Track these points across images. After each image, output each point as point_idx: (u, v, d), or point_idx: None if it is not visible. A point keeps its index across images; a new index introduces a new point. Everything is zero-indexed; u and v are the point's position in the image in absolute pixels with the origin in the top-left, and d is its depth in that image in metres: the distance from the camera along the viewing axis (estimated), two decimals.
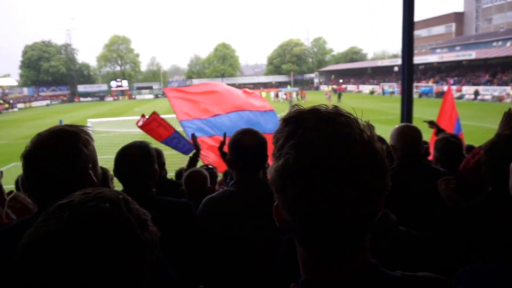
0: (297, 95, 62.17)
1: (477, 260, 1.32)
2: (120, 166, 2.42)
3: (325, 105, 0.92)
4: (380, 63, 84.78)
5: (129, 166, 2.40)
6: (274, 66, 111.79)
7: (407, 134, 3.10)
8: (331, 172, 0.82)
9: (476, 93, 48.03)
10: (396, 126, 3.23)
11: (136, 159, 2.41)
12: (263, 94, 65.29)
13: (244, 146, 2.40)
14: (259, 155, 2.43)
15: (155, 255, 0.97)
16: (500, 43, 61.01)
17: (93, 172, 1.70)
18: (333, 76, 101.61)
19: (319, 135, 0.84)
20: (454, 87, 53.85)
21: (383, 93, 66.29)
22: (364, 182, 0.84)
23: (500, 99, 43.59)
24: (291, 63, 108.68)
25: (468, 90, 50.70)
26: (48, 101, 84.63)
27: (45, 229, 0.85)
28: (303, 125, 0.87)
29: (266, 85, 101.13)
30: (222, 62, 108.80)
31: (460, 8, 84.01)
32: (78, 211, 0.87)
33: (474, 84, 52.98)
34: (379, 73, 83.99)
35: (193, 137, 4.97)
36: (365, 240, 0.92)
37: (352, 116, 0.91)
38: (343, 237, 0.87)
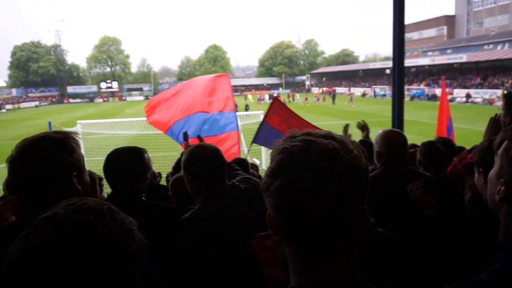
0: (288, 97, 62.25)
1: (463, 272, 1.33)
2: (111, 169, 2.42)
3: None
4: (371, 65, 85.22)
5: (120, 169, 2.40)
6: (266, 68, 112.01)
7: (392, 139, 3.07)
8: (314, 168, 0.90)
9: (468, 96, 48.40)
10: (381, 131, 3.20)
11: (128, 162, 2.41)
12: (249, 97, 65.54)
13: (202, 160, 2.41)
14: (218, 165, 2.45)
15: (144, 264, 0.96)
16: (491, 46, 61.61)
17: (78, 180, 1.70)
18: (324, 78, 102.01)
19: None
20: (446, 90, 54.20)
21: (375, 95, 66.58)
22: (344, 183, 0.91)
23: (490, 102, 43.92)
24: (283, 65, 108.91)
25: (459, 93, 51.07)
26: (37, 102, 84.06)
27: (28, 244, 0.84)
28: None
29: (257, 87, 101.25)
30: (213, 64, 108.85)
31: (451, 11, 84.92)
32: (62, 225, 0.86)
33: (465, 87, 53.36)
34: (370, 76, 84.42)
35: (185, 137, 4.87)
36: (350, 250, 0.95)
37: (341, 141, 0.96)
38: (324, 234, 0.91)
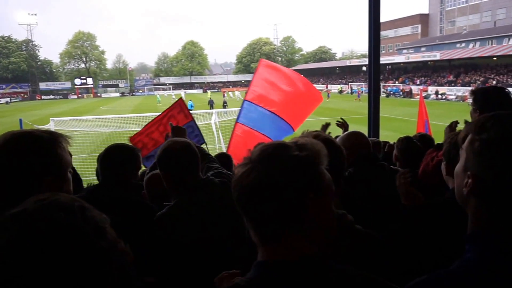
0: None
1: (436, 263, 1.32)
2: (107, 160, 2.58)
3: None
4: (348, 62, 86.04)
5: (116, 162, 2.57)
6: (243, 65, 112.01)
7: (354, 139, 3.11)
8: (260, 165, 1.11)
9: (437, 92, 49.51)
10: (342, 135, 3.29)
11: (124, 157, 2.59)
12: (236, 93, 65.44)
13: (172, 155, 2.44)
14: (189, 158, 2.48)
15: (117, 262, 0.94)
16: (463, 44, 62.96)
17: (53, 186, 1.55)
18: (302, 75, 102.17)
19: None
20: (420, 87, 55.21)
21: (352, 92, 67.18)
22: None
23: (463, 99, 44.83)
24: None
25: (433, 90, 52.02)
26: (7, 99, 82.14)
27: None
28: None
29: (235, 84, 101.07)
30: (191, 60, 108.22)
31: (425, 10, 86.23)
32: (30, 223, 0.84)
33: (439, 85, 54.36)
34: (347, 73, 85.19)
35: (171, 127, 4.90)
36: (298, 232, 1.11)
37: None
38: (268, 219, 1.10)
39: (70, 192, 1.67)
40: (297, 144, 1.15)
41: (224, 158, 4.32)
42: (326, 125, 5.11)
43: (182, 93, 68.38)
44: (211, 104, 42.92)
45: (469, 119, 3.13)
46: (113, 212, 2.07)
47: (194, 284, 2.31)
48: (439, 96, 48.98)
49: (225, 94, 62.73)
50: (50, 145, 1.57)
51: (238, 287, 1.09)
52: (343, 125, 4.99)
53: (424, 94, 49.54)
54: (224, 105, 42.04)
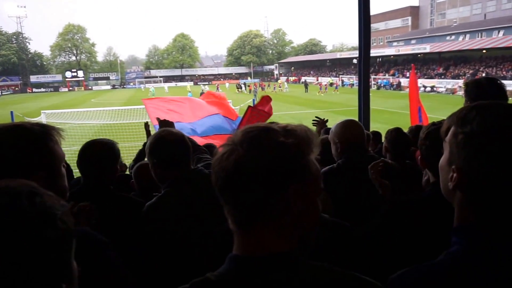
0: (256, 87, 61.86)
1: (416, 258, 1.33)
2: (84, 159, 2.54)
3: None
4: (339, 55, 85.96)
5: (93, 161, 2.52)
6: (234, 58, 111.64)
7: (348, 128, 3.11)
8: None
9: (424, 86, 49.72)
10: (337, 122, 3.22)
11: (101, 155, 2.54)
12: (226, 85, 65.49)
13: (165, 144, 2.43)
14: (182, 147, 2.47)
15: (70, 252, 0.90)
16: (453, 37, 63.20)
17: (47, 182, 1.47)
18: (292, 68, 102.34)
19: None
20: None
21: (343, 85, 67.26)
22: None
23: (453, 91, 45.11)
24: (251, 54, 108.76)
25: (423, 83, 52.21)
26: None
27: None
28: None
29: (226, 77, 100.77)
30: (181, 53, 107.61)
31: (416, 2, 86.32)
32: None
33: (429, 77, 54.57)
34: (338, 65, 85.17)
35: (146, 126, 4.88)
36: (276, 223, 1.05)
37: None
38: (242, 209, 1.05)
39: (65, 188, 1.61)
40: (286, 129, 1.07)
41: (212, 149, 4.37)
42: (323, 122, 4.87)
43: (173, 85, 68.24)
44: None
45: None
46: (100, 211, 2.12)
47: (183, 276, 2.35)
48: (428, 89, 49.19)
49: (219, 87, 62.63)
50: (42, 139, 1.50)
51: (208, 281, 1.05)
52: (319, 123, 4.82)
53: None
54: None
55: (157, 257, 2.35)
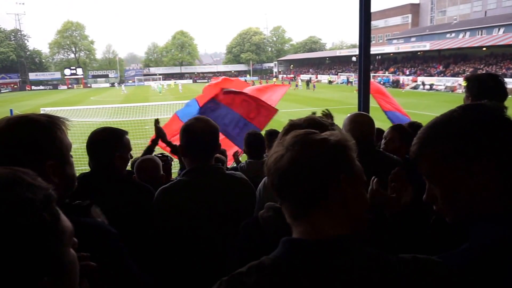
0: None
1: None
2: (92, 143, 2.56)
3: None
4: (338, 53, 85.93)
5: (98, 145, 2.55)
6: (233, 55, 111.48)
7: (360, 122, 3.06)
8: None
9: (423, 83, 49.88)
10: (348, 115, 3.18)
11: (108, 141, 2.55)
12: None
13: (196, 131, 2.43)
14: (211, 142, 2.48)
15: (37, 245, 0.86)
16: (453, 35, 63.05)
17: (55, 170, 1.50)
18: (292, 65, 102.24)
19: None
20: (410, 78, 55.36)
21: (342, 82, 67.25)
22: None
23: (452, 89, 45.11)
24: (250, 52, 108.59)
25: (422, 81, 52.20)
26: None
27: None
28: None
29: (225, 74, 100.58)
30: (180, 50, 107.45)
31: (416, 0, 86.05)
32: None
33: (429, 75, 54.55)
34: (337, 63, 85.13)
35: (156, 122, 4.81)
36: (328, 210, 1.13)
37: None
38: (294, 198, 1.15)
39: (74, 176, 1.63)
40: (327, 132, 1.21)
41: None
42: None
43: (172, 83, 68.53)
44: None
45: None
46: (105, 196, 2.19)
47: (188, 267, 2.36)
48: (427, 87, 49.22)
49: None
50: (50, 128, 1.52)
51: (262, 264, 1.09)
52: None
53: (413, 84, 50.15)
54: None
55: (162, 241, 2.37)
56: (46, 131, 1.51)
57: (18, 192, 0.85)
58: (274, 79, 71.24)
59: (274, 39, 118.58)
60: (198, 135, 2.43)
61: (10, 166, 0.92)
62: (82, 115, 20.61)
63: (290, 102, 36.31)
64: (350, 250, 1.07)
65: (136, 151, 4.61)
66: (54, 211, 0.90)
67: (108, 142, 2.53)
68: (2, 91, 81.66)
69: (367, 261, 1.06)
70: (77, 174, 2.91)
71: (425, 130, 1.31)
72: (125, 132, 2.66)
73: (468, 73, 48.24)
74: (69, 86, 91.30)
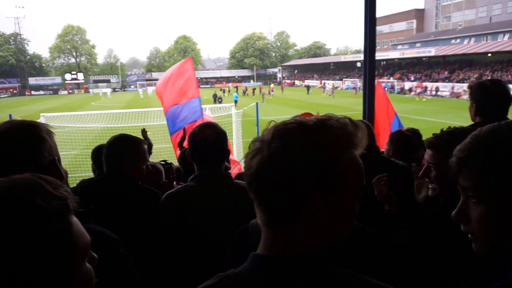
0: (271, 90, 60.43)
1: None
2: (104, 156, 2.63)
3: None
4: (343, 58, 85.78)
5: (110, 153, 2.63)
6: (237, 60, 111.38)
7: (364, 128, 2.91)
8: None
9: (426, 88, 49.66)
10: None
11: (121, 152, 2.62)
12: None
13: (201, 139, 2.45)
14: (217, 149, 2.47)
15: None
16: (458, 40, 62.85)
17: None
18: (296, 71, 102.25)
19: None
20: (414, 83, 55.11)
21: (347, 88, 67.08)
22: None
23: (457, 95, 44.79)
24: (254, 57, 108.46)
25: (427, 86, 51.98)
26: None
27: None
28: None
29: (228, 79, 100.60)
30: (183, 55, 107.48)
31: (421, 5, 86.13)
32: None
33: (433, 81, 54.27)
34: (342, 69, 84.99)
35: (143, 132, 4.92)
36: (306, 224, 0.98)
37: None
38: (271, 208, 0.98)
39: (65, 172, 1.66)
40: (321, 125, 0.98)
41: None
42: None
43: None
44: (215, 98, 45.67)
45: (465, 114, 3.05)
46: (110, 204, 2.35)
47: (190, 271, 2.34)
48: (433, 93, 48.95)
49: (225, 90, 62.71)
50: (40, 130, 1.57)
51: (227, 277, 1.02)
52: None
53: (418, 90, 50.00)
54: (220, 100, 42.93)
55: (167, 245, 2.42)
56: (42, 133, 1.57)
57: (28, 198, 0.84)
58: (272, 85, 70.72)
59: (278, 44, 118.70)
60: (205, 141, 2.44)
61: (37, 174, 0.92)
62: (83, 121, 20.32)
63: (293, 108, 36.10)
64: (311, 270, 0.97)
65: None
66: (65, 223, 0.87)
67: (127, 152, 2.62)
68: (1, 96, 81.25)
69: (329, 281, 0.97)
70: (79, 180, 2.92)
71: (473, 139, 1.11)
72: (143, 142, 2.78)
73: (473, 78, 47.99)
74: (70, 91, 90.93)
